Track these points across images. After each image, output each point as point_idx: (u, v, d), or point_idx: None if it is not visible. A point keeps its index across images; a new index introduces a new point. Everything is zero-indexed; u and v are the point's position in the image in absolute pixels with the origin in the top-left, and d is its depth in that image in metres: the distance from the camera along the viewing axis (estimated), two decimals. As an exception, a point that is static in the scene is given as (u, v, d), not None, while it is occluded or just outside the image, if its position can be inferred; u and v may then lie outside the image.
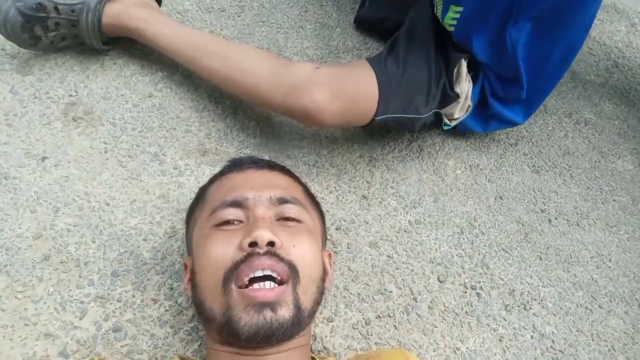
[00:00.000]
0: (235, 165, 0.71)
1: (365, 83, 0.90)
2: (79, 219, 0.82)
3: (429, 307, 0.86)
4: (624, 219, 1.09)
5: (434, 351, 0.81)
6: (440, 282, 0.89)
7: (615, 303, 0.95)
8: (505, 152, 1.13)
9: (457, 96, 0.96)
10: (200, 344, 0.74)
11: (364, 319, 0.82)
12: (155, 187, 0.88)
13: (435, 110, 0.97)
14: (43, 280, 0.75)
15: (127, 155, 0.90)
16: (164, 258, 0.81)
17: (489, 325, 0.86)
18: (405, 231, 0.94)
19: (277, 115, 1.03)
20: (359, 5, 1.26)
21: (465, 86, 0.97)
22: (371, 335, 0.81)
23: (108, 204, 0.84)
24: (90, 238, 0.80)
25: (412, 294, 0.87)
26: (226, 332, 0.55)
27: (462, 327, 0.85)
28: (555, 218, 1.05)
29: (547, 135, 1.21)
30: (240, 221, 0.62)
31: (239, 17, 1.19)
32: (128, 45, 1.03)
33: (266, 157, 0.97)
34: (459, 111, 1.00)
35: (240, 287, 0.56)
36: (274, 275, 0.57)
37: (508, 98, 1.01)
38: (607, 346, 0.89)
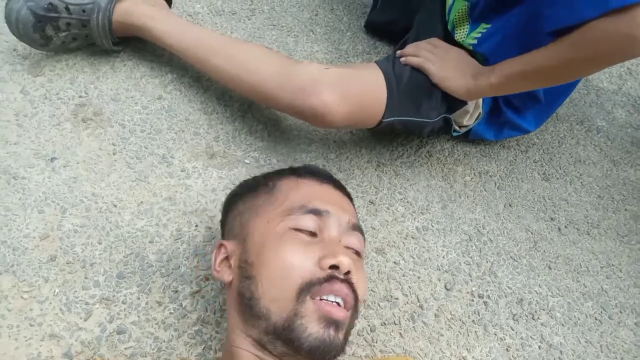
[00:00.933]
0: (313, 173, 0.70)
1: (374, 85, 0.89)
2: (86, 220, 0.82)
3: (435, 315, 0.85)
4: (635, 228, 1.07)
5: (439, 360, 0.80)
6: (447, 289, 0.88)
7: (625, 314, 0.93)
8: (515, 159, 1.12)
9: (465, 101, 0.96)
10: (204, 347, 0.74)
11: (369, 325, 0.81)
12: (163, 189, 0.88)
13: (444, 115, 0.96)
14: (49, 281, 0.75)
15: (135, 157, 0.91)
16: (169, 260, 0.81)
17: (496, 334, 0.85)
18: (412, 237, 0.94)
19: (285, 119, 1.03)
20: (370, 9, 1.25)
21: None
22: (376, 343, 0.80)
23: (115, 206, 0.84)
24: (97, 239, 0.80)
25: (419, 302, 0.86)
26: (283, 336, 0.56)
27: (468, 335, 0.84)
28: (566, 227, 1.03)
29: (559, 142, 1.19)
30: (313, 233, 0.62)
31: (249, 20, 1.19)
32: (138, 47, 1.04)
33: (274, 161, 0.97)
34: (469, 119, 0.99)
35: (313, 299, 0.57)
36: (341, 303, 0.58)
37: (523, 107, 1.00)
38: (616, 358, 0.87)
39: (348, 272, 0.58)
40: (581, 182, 1.12)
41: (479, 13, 0.92)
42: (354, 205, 0.74)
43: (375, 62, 0.93)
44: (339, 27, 1.25)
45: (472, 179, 1.06)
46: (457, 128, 1.00)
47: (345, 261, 0.58)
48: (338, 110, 0.84)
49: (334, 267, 0.58)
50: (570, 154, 1.17)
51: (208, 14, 1.17)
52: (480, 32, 0.93)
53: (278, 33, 1.18)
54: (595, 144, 1.22)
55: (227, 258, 0.65)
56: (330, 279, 0.57)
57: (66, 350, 0.71)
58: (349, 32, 1.24)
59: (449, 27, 0.99)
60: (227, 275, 0.64)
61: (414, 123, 0.94)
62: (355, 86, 0.87)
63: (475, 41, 0.93)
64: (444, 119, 0.97)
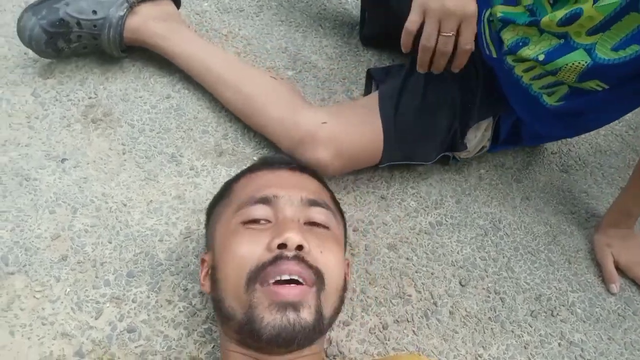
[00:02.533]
0: (267, 163, 0.70)
1: (370, 138, 0.89)
2: (97, 220, 0.82)
3: (449, 312, 0.83)
4: (660, 220, 1.03)
5: (454, 358, 0.78)
6: (462, 285, 0.86)
7: (650, 310, 0.89)
8: (532, 151, 1.09)
9: (465, 147, 0.94)
10: (214, 346, 0.73)
11: (381, 323, 0.80)
12: (172, 187, 0.88)
13: (442, 154, 0.96)
14: (60, 280, 0.76)
15: (145, 157, 0.91)
16: (179, 259, 0.80)
17: (513, 331, 0.83)
18: (425, 233, 0.92)
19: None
20: (359, 27, 1.20)
21: (475, 141, 0.95)
22: (389, 340, 0.78)
23: (125, 205, 0.85)
24: (107, 239, 0.81)
25: (432, 298, 0.84)
26: (246, 331, 0.54)
27: (484, 333, 0.82)
28: (586, 220, 1.00)
29: (578, 132, 1.16)
30: (268, 221, 0.60)
31: (257, 16, 1.18)
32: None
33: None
34: (469, 153, 0.97)
35: (263, 286, 0.55)
36: (300, 280, 0.55)
37: (549, 138, 0.98)
38: (641, 355, 0.84)
39: (300, 247, 0.55)
40: (602, 173, 1.09)
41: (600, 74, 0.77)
42: (323, 183, 0.72)
43: (380, 103, 0.90)
44: (348, 20, 1.23)
45: (487, 172, 1.03)
46: (456, 157, 0.99)
47: (292, 236, 0.55)
48: (332, 167, 0.86)
49: (283, 245, 0.55)
50: (590, 144, 1.13)
51: (216, 11, 1.17)
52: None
53: (286, 29, 1.17)
54: (617, 134, 1.18)
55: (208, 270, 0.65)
56: (275, 260, 0.54)
57: (77, 349, 0.71)
58: (358, 26, 1.23)
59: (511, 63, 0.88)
60: (207, 287, 0.64)
61: (411, 165, 0.96)
62: (349, 144, 0.87)
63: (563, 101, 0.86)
64: (443, 156, 0.96)
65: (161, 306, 0.76)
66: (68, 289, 0.75)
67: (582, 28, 0.74)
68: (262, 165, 0.70)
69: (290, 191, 0.62)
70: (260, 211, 0.61)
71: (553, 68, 0.79)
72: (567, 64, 0.77)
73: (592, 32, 0.73)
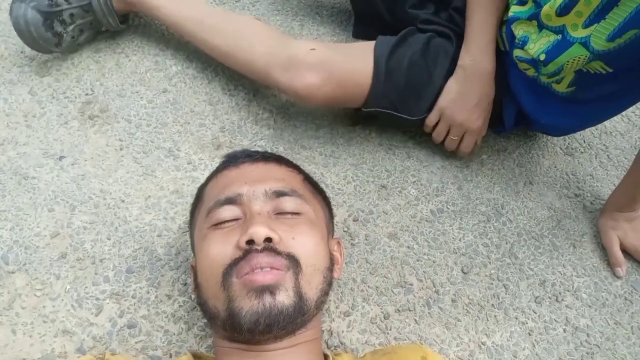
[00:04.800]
0: (230, 160, 0.69)
1: (359, 72, 0.88)
2: (95, 217, 0.82)
3: (452, 300, 0.82)
4: (669, 202, 1.00)
5: (457, 346, 0.78)
6: (465, 273, 0.85)
7: (658, 293, 0.88)
8: (535, 135, 1.07)
9: None
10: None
11: (382, 313, 0.79)
12: (170, 182, 0.88)
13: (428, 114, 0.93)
14: (60, 278, 0.76)
15: (142, 152, 0.91)
16: (178, 254, 0.80)
17: (517, 318, 0.82)
18: (426, 221, 0.90)
19: (292, 106, 1.01)
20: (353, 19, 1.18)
21: None
22: (390, 330, 0.78)
23: (123, 201, 0.85)
24: (106, 235, 0.81)
25: (434, 287, 0.83)
26: (229, 326, 0.55)
27: (487, 320, 0.81)
28: (591, 203, 0.98)
29: (583, 114, 1.13)
30: (238, 219, 0.60)
31: (253, 6, 1.17)
32: (143, 41, 1.04)
33: (281, 149, 0.95)
34: None
35: (239, 278, 0.55)
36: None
37: (559, 127, 0.97)
38: (649, 340, 0.82)
39: (269, 240, 0.55)
40: (607, 155, 1.06)
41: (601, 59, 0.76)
42: (292, 166, 0.71)
43: (376, 43, 0.89)
44: (345, 8, 1.21)
45: (489, 157, 1.01)
46: None
47: (257, 231, 0.55)
48: (318, 94, 0.86)
49: (251, 241, 0.55)
50: (595, 126, 1.11)
51: (212, 1, 1.16)
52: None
53: (283, 18, 1.16)
54: (622, 114, 1.15)
55: None
56: (246, 254, 0.55)
57: (79, 345, 0.71)
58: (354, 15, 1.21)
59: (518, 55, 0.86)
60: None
61: (395, 117, 0.92)
62: (338, 71, 0.86)
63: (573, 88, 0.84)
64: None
65: (161, 301, 0.76)
66: (68, 287, 0.76)
67: (579, 18, 0.73)
68: (226, 162, 0.70)
69: (253, 186, 0.62)
70: (227, 212, 0.61)
71: (555, 68, 0.79)
72: (568, 61, 0.77)
73: (588, 23, 0.73)
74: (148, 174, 0.88)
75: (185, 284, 0.77)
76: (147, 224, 0.83)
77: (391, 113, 0.92)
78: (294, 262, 0.56)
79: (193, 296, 0.76)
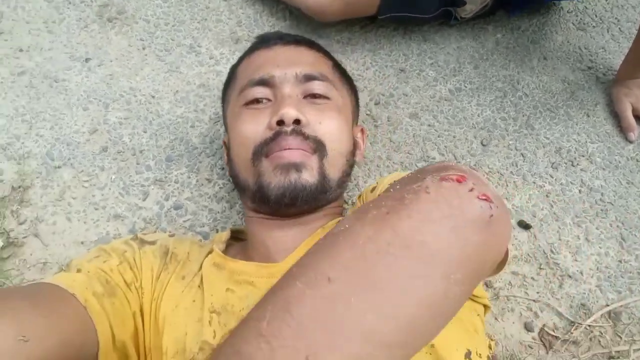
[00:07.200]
0: (263, 41, 0.71)
1: None
2: (129, 112, 0.86)
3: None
4: (680, 69, 1.02)
5: (480, 209, 0.83)
6: (484, 145, 0.89)
7: (668, 153, 0.92)
8: (547, 12, 1.07)
9: (464, 2, 0.93)
10: (256, 215, 0.79)
11: (408, 184, 0.84)
12: (195, 77, 0.90)
13: (444, 8, 0.94)
14: (105, 169, 0.81)
15: (164, 50, 0.92)
16: (212, 142, 0.84)
17: (535, 182, 0.87)
18: (445, 100, 0.93)
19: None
20: None
21: None
22: (417, 198, 0.83)
23: (153, 97, 0.87)
24: (142, 129, 0.84)
25: (455, 159, 0.88)
26: (258, 198, 0.59)
27: (507, 186, 0.86)
28: (604, 74, 1.00)
29: (596, -11, 1.13)
30: (269, 99, 0.63)
31: None
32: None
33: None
34: (471, 12, 0.95)
35: (268, 157, 0.59)
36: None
37: None
38: (659, 194, 0.88)
39: (298, 122, 0.59)
40: (619, 28, 1.07)
41: None
42: (323, 52, 0.73)
43: None
44: None
45: (503, 36, 1.02)
46: (457, 17, 0.97)
47: (287, 111, 0.58)
48: (331, 11, 0.90)
49: (281, 122, 0.58)
50: (606, 0, 1.10)
51: None
52: None
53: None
54: (636, -13, 1.14)
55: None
56: (276, 136, 0.58)
57: (131, 227, 0.77)
58: None
59: None
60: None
61: (411, 19, 0.94)
62: None
63: None
64: (444, 11, 0.94)
65: (202, 185, 0.81)
66: (113, 176, 0.80)
67: None
68: (259, 43, 0.71)
69: (285, 68, 0.64)
70: (259, 92, 0.63)
71: None
72: None
73: None
74: (173, 70, 0.90)
75: (223, 169, 0.82)
76: (179, 116, 0.86)
77: (406, 15, 0.93)
78: (320, 146, 0.60)
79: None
